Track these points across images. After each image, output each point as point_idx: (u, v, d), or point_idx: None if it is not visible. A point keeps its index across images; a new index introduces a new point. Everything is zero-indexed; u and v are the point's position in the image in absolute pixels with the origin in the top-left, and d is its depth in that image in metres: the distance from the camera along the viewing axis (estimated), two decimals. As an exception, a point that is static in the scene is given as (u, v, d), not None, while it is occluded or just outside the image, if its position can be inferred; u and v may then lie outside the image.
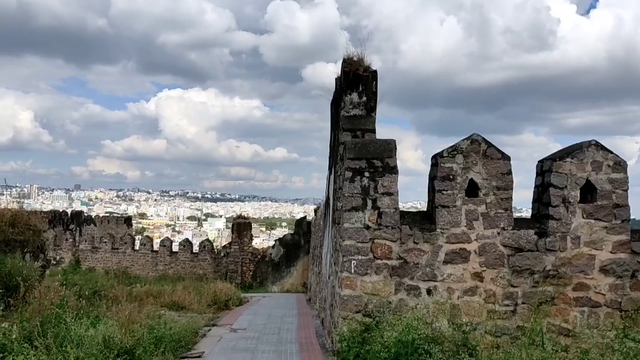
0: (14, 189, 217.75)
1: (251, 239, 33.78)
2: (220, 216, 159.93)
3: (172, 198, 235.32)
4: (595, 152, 7.55)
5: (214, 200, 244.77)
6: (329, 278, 10.17)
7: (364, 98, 9.97)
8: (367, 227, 7.61)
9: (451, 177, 7.64)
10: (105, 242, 38.95)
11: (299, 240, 31.23)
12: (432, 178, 7.92)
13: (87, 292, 13.08)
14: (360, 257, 7.59)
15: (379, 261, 7.58)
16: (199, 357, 8.62)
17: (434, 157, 7.89)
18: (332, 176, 11.48)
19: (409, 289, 7.55)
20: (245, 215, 37.71)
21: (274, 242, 34.21)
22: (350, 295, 7.55)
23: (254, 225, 45.17)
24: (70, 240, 40.67)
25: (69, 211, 51.12)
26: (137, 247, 37.77)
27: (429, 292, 7.54)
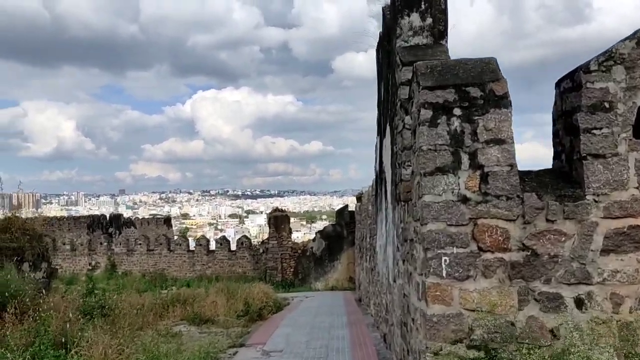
0: (61, 197, 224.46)
1: (290, 233, 31.00)
2: (261, 212, 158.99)
3: (213, 197, 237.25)
4: None
5: (254, 197, 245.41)
6: (394, 281, 7.15)
7: (429, 20, 6.91)
8: (465, 200, 4.55)
9: (606, 105, 4.47)
10: (140, 244, 36.98)
11: (342, 232, 28.28)
12: (567, 112, 4.77)
13: (86, 307, 10.52)
14: (455, 249, 4.54)
15: (488, 255, 4.52)
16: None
17: (570, 76, 4.73)
18: (386, 140, 8.44)
19: (543, 299, 4.45)
20: (282, 208, 34.99)
21: (314, 235, 31.34)
22: (442, 314, 4.51)
23: (294, 219, 42.64)
24: (105, 244, 38.96)
25: (107, 215, 49.87)
26: (172, 248, 35.68)
27: (579, 303, 4.43)
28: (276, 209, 32.86)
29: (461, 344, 4.47)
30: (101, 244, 38.64)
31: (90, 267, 37.44)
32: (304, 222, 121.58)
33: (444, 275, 4.53)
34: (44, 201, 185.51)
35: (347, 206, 30.63)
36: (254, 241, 36.84)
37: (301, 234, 71.57)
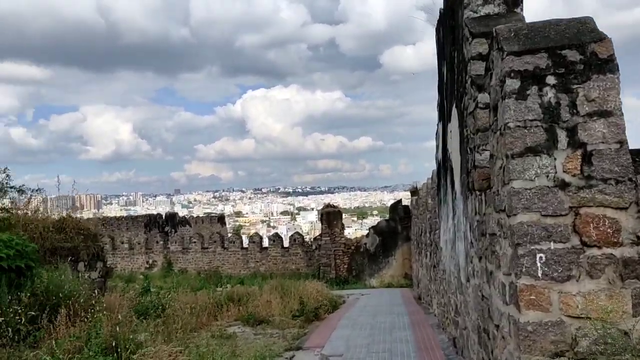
0: (121, 198, 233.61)
1: (342, 229, 30.43)
2: (312, 209, 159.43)
3: (264, 195, 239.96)
4: None
5: (305, 194, 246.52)
6: (467, 281, 6.42)
7: (501, -14, 6.15)
8: (563, 185, 3.81)
9: None
10: (195, 242, 37.39)
11: (396, 227, 27.46)
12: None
13: (141, 306, 10.33)
14: (552, 244, 3.80)
15: (594, 251, 3.76)
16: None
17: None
18: (451, 124, 7.69)
19: (665, 304, 3.66)
20: (334, 204, 34.40)
21: (367, 231, 30.63)
22: (539, 322, 3.79)
23: (345, 215, 42.02)
24: (161, 242, 39.65)
25: (163, 214, 50.90)
26: (226, 245, 35.84)
27: None
28: (328, 205, 32.35)
29: (563, 358, 3.73)
30: (157, 242, 39.36)
31: (147, 266, 38.25)
32: (355, 218, 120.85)
33: (539, 275, 3.80)
34: (104, 202, 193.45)
35: (400, 201, 29.73)
36: (306, 237, 36.51)
37: (352, 229, 70.84)
